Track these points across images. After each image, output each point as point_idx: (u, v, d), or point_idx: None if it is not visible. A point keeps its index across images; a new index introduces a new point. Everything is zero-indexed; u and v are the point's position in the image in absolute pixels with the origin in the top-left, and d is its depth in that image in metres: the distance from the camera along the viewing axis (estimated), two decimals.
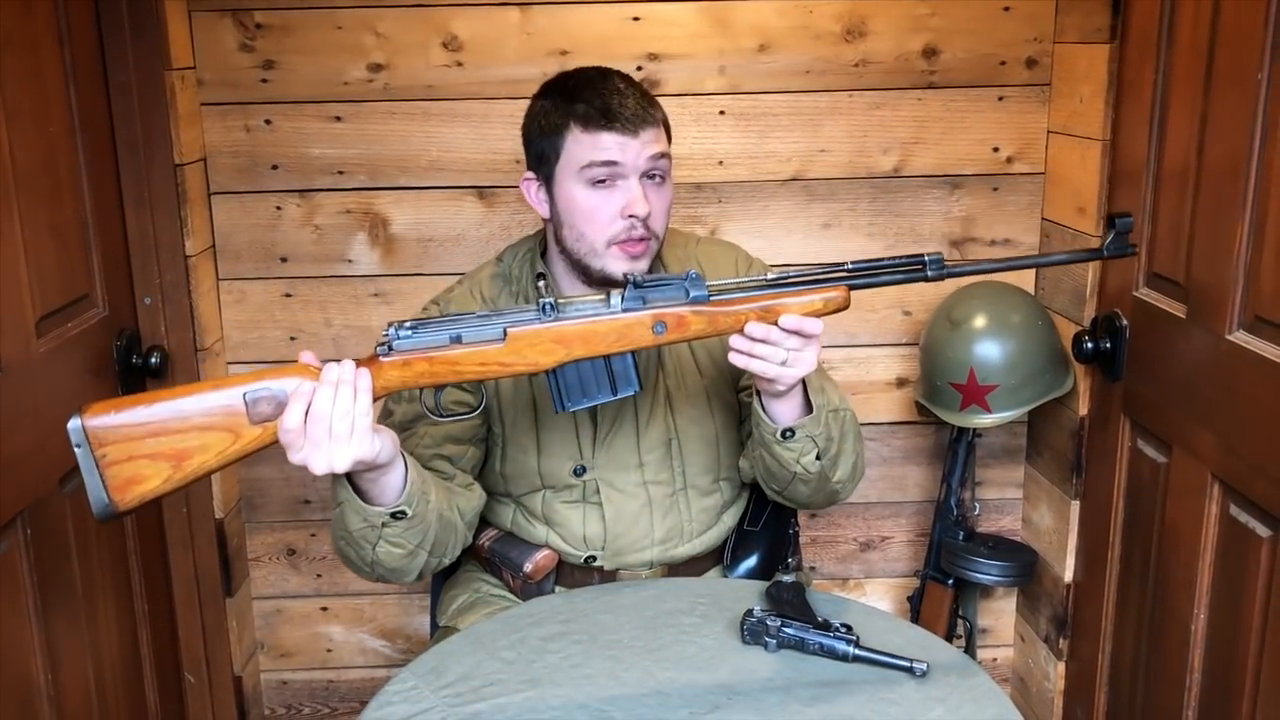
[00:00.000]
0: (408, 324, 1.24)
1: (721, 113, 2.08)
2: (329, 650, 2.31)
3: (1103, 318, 1.92)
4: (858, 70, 2.07)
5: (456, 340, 1.24)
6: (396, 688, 1.34)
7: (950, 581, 2.17)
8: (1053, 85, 2.08)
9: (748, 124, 2.09)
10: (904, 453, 2.27)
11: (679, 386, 1.59)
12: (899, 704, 1.27)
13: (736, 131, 2.09)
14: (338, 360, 1.23)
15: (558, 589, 1.65)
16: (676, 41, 2.04)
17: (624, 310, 1.26)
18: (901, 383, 2.23)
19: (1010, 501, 2.30)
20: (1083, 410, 2.02)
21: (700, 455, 1.62)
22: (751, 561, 1.70)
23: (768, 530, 1.72)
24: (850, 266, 1.28)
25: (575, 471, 1.59)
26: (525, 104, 1.57)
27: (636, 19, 2.03)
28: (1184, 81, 1.67)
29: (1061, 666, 2.14)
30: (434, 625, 1.76)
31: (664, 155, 1.50)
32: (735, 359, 1.29)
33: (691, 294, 1.26)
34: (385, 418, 1.61)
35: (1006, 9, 2.05)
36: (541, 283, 1.54)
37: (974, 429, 2.09)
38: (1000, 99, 2.09)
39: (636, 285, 1.26)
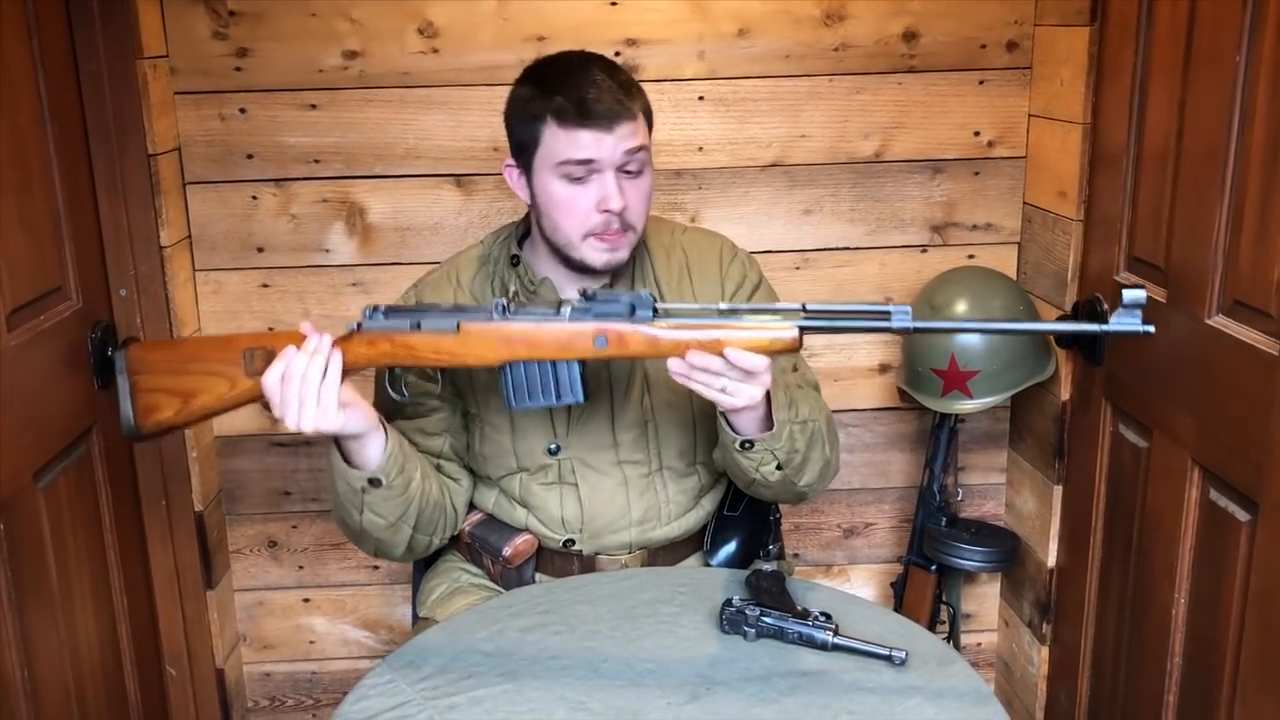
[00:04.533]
0: (382, 308, 1.36)
1: (701, 98, 2.07)
2: (311, 642, 2.30)
3: (1084, 302, 1.91)
4: (838, 55, 2.05)
5: (416, 327, 1.34)
6: (373, 681, 1.33)
7: (934, 567, 2.16)
8: (1033, 69, 2.07)
9: (727, 109, 2.07)
10: (886, 439, 2.26)
11: (657, 370, 1.58)
12: (877, 692, 1.27)
13: (716, 117, 2.08)
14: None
15: (538, 576, 1.65)
16: (654, 27, 2.03)
17: (570, 320, 1.31)
18: (883, 369, 2.22)
19: (993, 487, 2.30)
20: (1064, 395, 2.02)
21: (676, 438, 1.62)
22: (731, 547, 1.70)
23: (748, 516, 1.71)
24: (808, 308, 1.27)
25: (550, 450, 1.59)
26: (503, 91, 1.55)
27: (614, 4, 2.01)
28: (1163, 64, 1.66)
29: (1045, 651, 2.14)
30: (415, 615, 1.76)
31: (640, 149, 1.48)
32: (673, 376, 1.31)
33: (637, 313, 1.30)
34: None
35: None
36: (517, 266, 1.55)
37: (956, 415, 2.09)
38: (981, 83, 2.08)
39: (587, 298, 1.32)
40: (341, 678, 2.32)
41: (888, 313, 1.22)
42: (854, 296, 2.18)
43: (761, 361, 1.28)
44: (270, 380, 1.34)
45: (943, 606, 2.22)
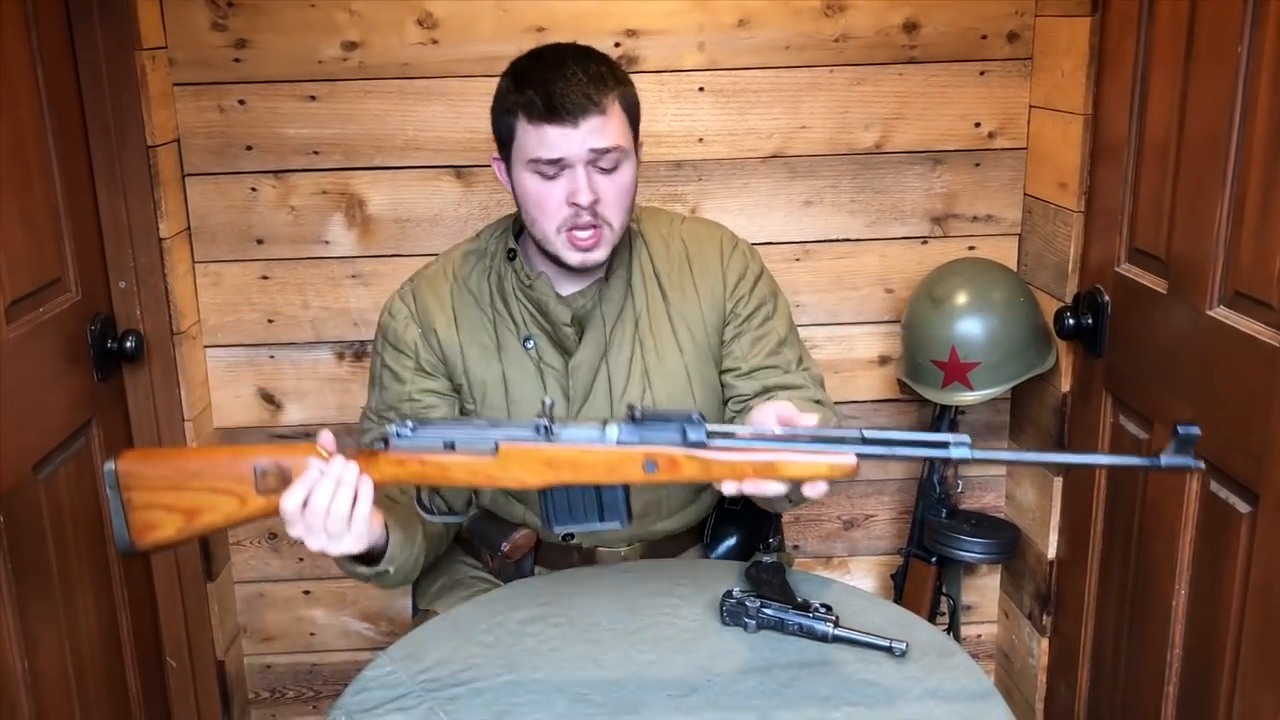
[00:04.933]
0: (410, 425, 1.25)
1: (701, 89, 2.06)
2: (312, 634, 2.30)
3: (1085, 294, 1.91)
4: (838, 45, 2.05)
5: (450, 447, 1.23)
6: (374, 673, 1.33)
7: (934, 559, 2.17)
8: (1034, 59, 2.07)
9: (727, 101, 2.07)
10: None
11: (658, 364, 1.57)
12: (878, 683, 1.27)
13: (716, 108, 2.07)
14: (340, 454, 1.24)
15: (537, 569, 1.64)
16: (654, 17, 2.02)
17: (618, 443, 1.21)
18: (884, 360, 2.22)
19: (993, 479, 2.30)
20: (1065, 387, 2.01)
21: None
22: (731, 541, 1.70)
23: (749, 510, 1.71)
24: (866, 435, 1.19)
25: None
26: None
27: None
28: (1165, 55, 1.66)
29: (1045, 642, 2.14)
30: (415, 608, 1.76)
31: (609, 150, 1.42)
32: (726, 493, 1.23)
33: (689, 437, 1.20)
34: (366, 403, 1.60)
35: None
36: (514, 260, 1.54)
37: (956, 406, 2.09)
38: (982, 73, 2.08)
39: (635, 420, 1.22)
40: (342, 669, 2.32)
41: (946, 442, 1.16)
42: (854, 288, 2.17)
43: (821, 489, 1.22)
44: (290, 505, 1.22)
45: (943, 598, 2.22)
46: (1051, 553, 2.09)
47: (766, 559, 1.46)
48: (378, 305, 2.08)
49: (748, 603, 1.37)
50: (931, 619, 2.15)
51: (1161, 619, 1.69)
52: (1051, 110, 2.01)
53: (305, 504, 1.22)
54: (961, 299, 1.98)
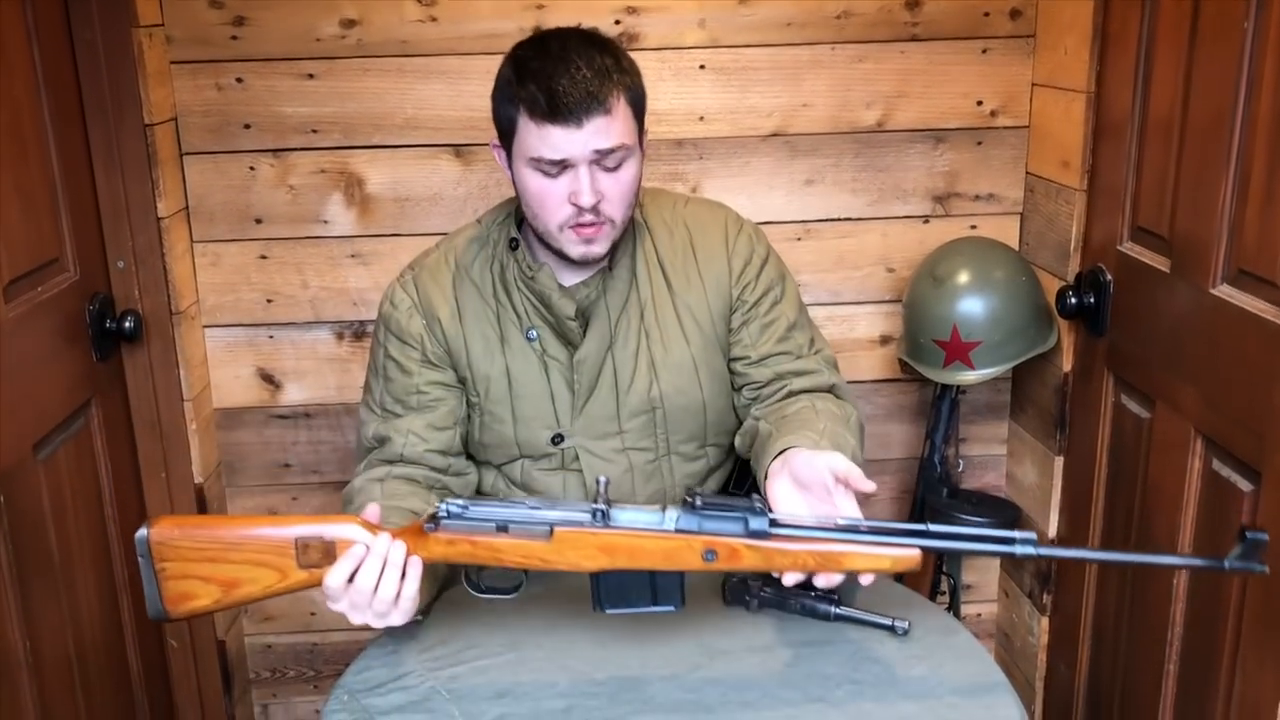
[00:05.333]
0: (460, 501, 1.22)
1: (702, 67, 2.05)
2: (312, 614, 2.30)
3: (1087, 273, 1.91)
4: (839, 23, 2.03)
5: (502, 529, 1.21)
6: (376, 652, 1.34)
7: None
8: (1037, 37, 2.06)
9: (728, 79, 2.05)
10: (887, 410, 2.26)
11: (664, 355, 1.55)
12: (880, 662, 1.27)
13: (717, 86, 2.06)
14: (387, 531, 1.23)
15: None
16: None
17: (676, 531, 1.18)
18: (885, 340, 2.21)
19: (994, 458, 2.30)
20: (1066, 366, 2.01)
21: (686, 424, 1.58)
22: None
23: (753, 493, 1.70)
24: (932, 530, 1.18)
25: (553, 440, 1.56)
26: (501, 60, 1.53)
27: None
28: (1169, 32, 1.65)
29: (1045, 621, 2.14)
30: None
31: (613, 150, 1.39)
32: (786, 583, 1.23)
33: (751, 526, 1.18)
34: (365, 391, 1.59)
35: None
36: (516, 250, 1.52)
37: (957, 386, 2.09)
38: (984, 51, 2.07)
39: (695, 508, 1.19)
40: (343, 649, 2.32)
41: (1012, 539, 1.15)
42: (855, 268, 2.17)
43: (873, 577, 1.21)
44: (335, 583, 1.20)
45: (943, 577, 2.23)
46: (1052, 532, 2.09)
47: None
48: (377, 285, 2.09)
49: (750, 582, 1.37)
50: (932, 598, 2.16)
51: (1162, 598, 1.69)
52: (1054, 88, 2.00)
53: (351, 580, 1.20)
54: (963, 278, 1.98)
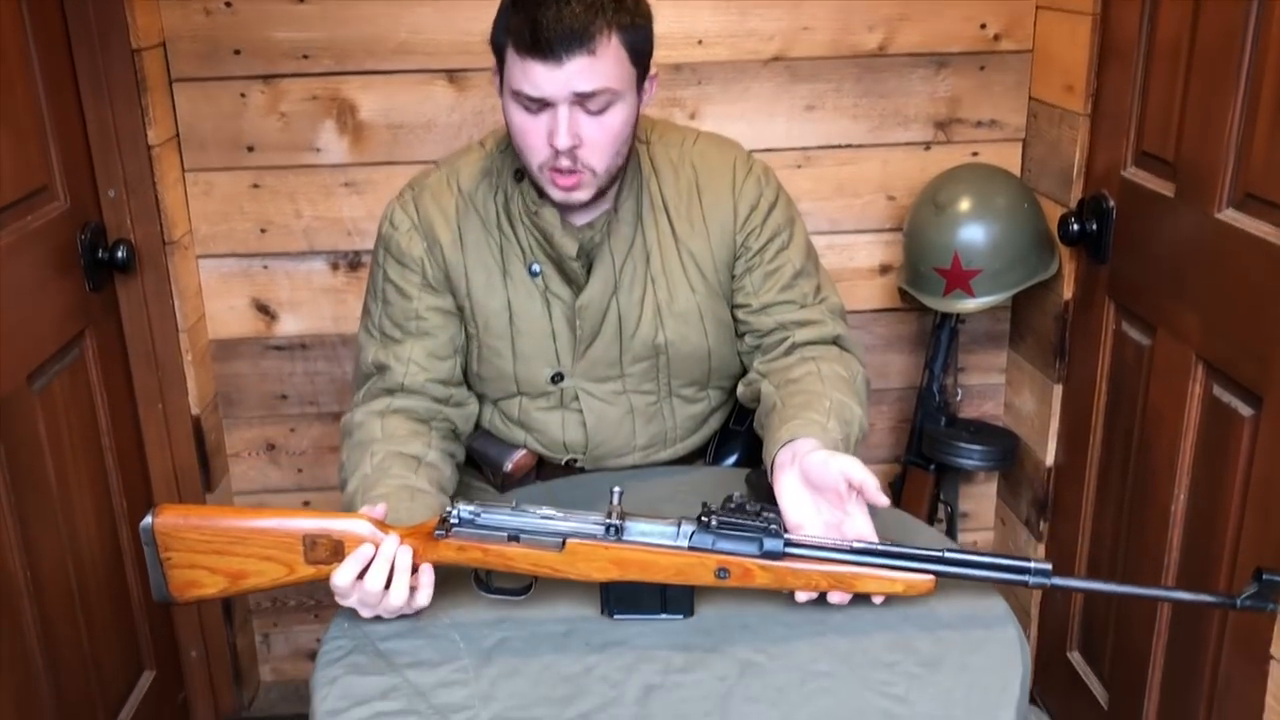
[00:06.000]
0: (471, 507, 1.21)
1: None
2: None
3: (1089, 199, 1.88)
4: None
5: (514, 539, 1.20)
6: None
7: (932, 467, 2.17)
8: None
9: (728, 1, 2.01)
10: (886, 340, 2.25)
11: (669, 302, 1.51)
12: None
13: (716, 9, 2.01)
14: (396, 533, 1.21)
15: (538, 482, 1.64)
16: None
17: (690, 549, 1.19)
18: (885, 269, 2.20)
19: (993, 387, 2.29)
20: (1067, 294, 2.00)
21: (689, 370, 1.56)
22: (733, 460, 1.68)
23: (751, 429, 1.70)
24: (946, 555, 1.19)
25: (552, 379, 1.54)
26: None
27: None
28: None
29: (1042, 548, 2.16)
30: None
31: (596, 93, 1.32)
32: (799, 598, 1.23)
33: (766, 546, 1.18)
34: (364, 315, 1.57)
35: None
36: (521, 182, 1.47)
37: (957, 314, 2.07)
38: None
39: (709, 527, 1.19)
40: None
41: (1027, 568, 1.18)
42: (855, 196, 2.14)
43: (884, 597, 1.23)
44: (341, 582, 1.20)
45: (940, 505, 2.24)
46: (1050, 460, 2.10)
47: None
48: (372, 214, 2.07)
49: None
50: (929, 525, 2.16)
51: (1160, 523, 1.70)
52: (1059, 10, 1.96)
53: (360, 577, 1.19)
54: (965, 205, 1.95)
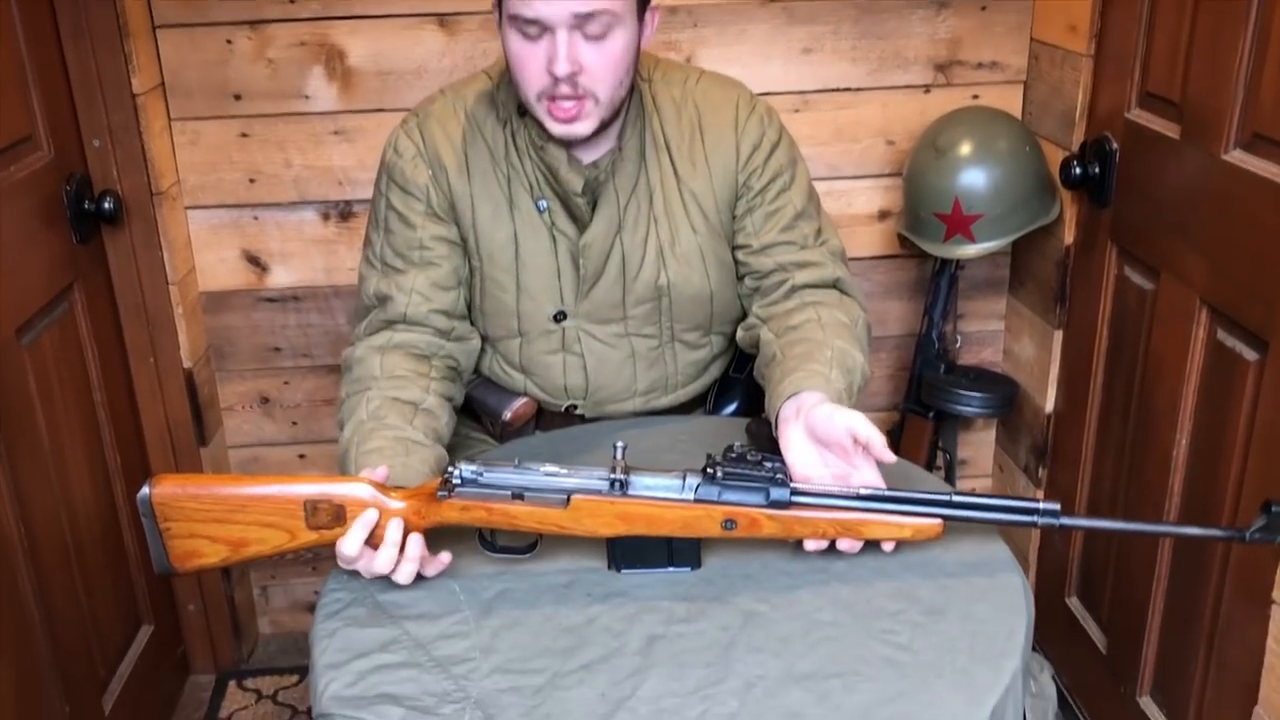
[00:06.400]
0: (474, 466, 1.18)
1: None
2: None
3: (1092, 141, 1.86)
4: None
5: (518, 497, 1.18)
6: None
7: (930, 414, 2.16)
8: None
9: None
10: (885, 287, 2.23)
11: (672, 243, 1.49)
12: None
13: None
14: (396, 495, 1.20)
15: (537, 433, 1.62)
16: None
17: (695, 500, 1.18)
18: (883, 215, 2.17)
19: (992, 333, 2.28)
20: (1068, 239, 1.98)
21: (691, 313, 1.54)
22: (733, 407, 1.67)
23: (751, 377, 1.68)
24: (953, 500, 1.18)
25: (555, 317, 1.52)
26: None
27: None
28: None
29: (1040, 495, 2.15)
30: None
31: (594, 14, 1.29)
32: (809, 550, 1.22)
33: (772, 496, 1.17)
34: (366, 246, 1.53)
35: None
36: (525, 116, 1.43)
37: (957, 261, 2.05)
38: None
39: (715, 479, 1.18)
40: None
41: (1036, 509, 1.17)
42: (854, 140, 2.11)
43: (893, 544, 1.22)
44: (349, 551, 1.18)
45: (939, 453, 2.23)
46: (1049, 406, 2.09)
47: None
48: (362, 163, 2.03)
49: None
50: (927, 471, 2.16)
51: (1161, 469, 1.69)
52: None
53: (368, 542, 1.18)
54: (965, 149, 1.92)
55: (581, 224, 1.47)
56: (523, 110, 1.43)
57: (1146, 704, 1.79)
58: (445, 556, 1.22)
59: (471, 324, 1.55)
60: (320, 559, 2.34)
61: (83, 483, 1.81)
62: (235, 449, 2.25)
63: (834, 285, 1.51)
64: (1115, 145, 1.79)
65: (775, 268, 1.50)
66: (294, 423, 2.23)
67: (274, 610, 2.39)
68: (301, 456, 2.26)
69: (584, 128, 1.37)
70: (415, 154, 1.47)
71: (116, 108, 1.87)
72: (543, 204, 1.46)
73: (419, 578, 1.22)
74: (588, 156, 1.45)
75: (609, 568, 1.24)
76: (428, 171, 1.46)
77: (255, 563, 2.29)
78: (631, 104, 1.44)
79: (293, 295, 2.13)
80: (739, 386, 1.67)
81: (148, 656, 2.03)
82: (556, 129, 1.37)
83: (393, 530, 1.19)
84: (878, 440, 1.21)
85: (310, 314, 2.15)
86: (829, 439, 1.23)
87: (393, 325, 1.47)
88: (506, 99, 1.47)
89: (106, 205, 1.84)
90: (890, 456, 1.22)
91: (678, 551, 1.22)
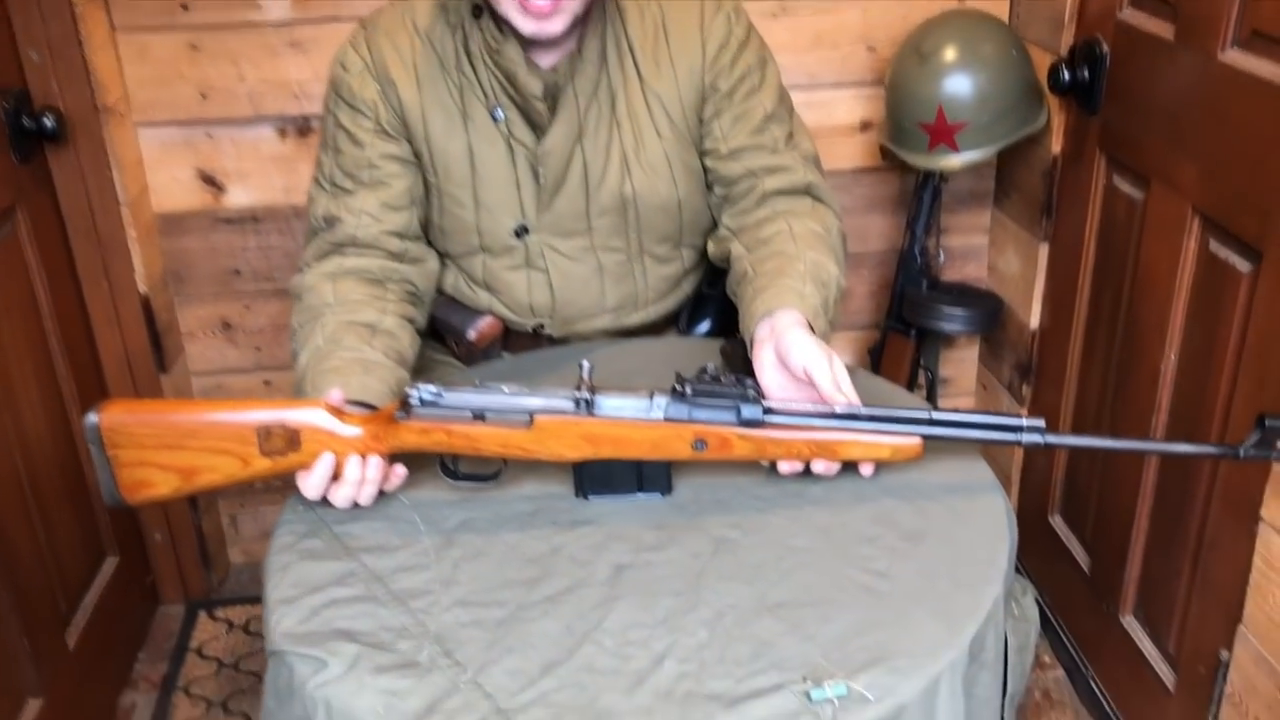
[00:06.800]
0: (433, 387, 1.13)
1: None
2: None
3: (1081, 45, 1.78)
4: None
5: (479, 417, 1.13)
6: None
7: (912, 332, 2.11)
8: None
9: None
10: (866, 201, 2.16)
11: (636, 149, 1.43)
12: None
13: None
14: (353, 418, 1.16)
15: (505, 355, 1.57)
16: None
17: (665, 420, 1.13)
18: (865, 126, 2.09)
19: (976, 248, 2.22)
20: (1056, 148, 1.90)
21: (659, 224, 1.48)
22: (706, 326, 1.61)
23: (725, 294, 1.62)
24: (933, 417, 1.12)
25: (516, 232, 1.45)
26: None
27: None
28: None
29: (1024, 412, 2.11)
30: None
31: None
32: (783, 473, 1.17)
33: (744, 414, 1.12)
34: (316, 167, 1.46)
35: None
36: (480, 18, 1.35)
37: (940, 173, 1.98)
38: None
39: (684, 396, 1.12)
40: None
41: (1019, 426, 1.12)
42: (834, 47, 2.02)
43: (873, 467, 1.17)
44: (311, 490, 1.16)
45: (920, 371, 2.18)
46: (1034, 322, 2.03)
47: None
48: (319, 75, 1.94)
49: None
50: (909, 391, 2.11)
51: (1148, 385, 1.65)
52: None
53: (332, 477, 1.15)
54: (949, 54, 1.84)
55: (541, 131, 1.40)
56: (477, 12, 1.35)
57: (1130, 623, 1.77)
58: (400, 469, 1.18)
59: (429, 244, 1.48)
60: (289, 487, 2.28)
61: (35, 412, 1.75)
62: (198, 376, 2.18)
63: (806, 191, 1.44)
64: (1106, 48, 1.71)
65: (744, 173, 1.43)
66: (258, 348, 2.16)
67: (244, 539, 2.35)
68: (267, 383, 2.19)
69: (557, 25, 1.30)
70: (362, 69, 1.40)
71: (54, 17, 1.76)
72: (499, 113, 1.39)
73: (381, 494, 1.18)
74: (545, 61, 1.37)
75: (576, 495, 1.19)
76: (376, 86, 1.39)
77: (217, 493, 2.24)
78: (595, 4, 1.36)
79: (251, 216, 2.05)
80: (712, 303, 1.61)
81: (114, 588, 1.98)
82: (528, 26, 1.29)
83: (351, 468, 1.15)
84: (825, 384, 1.15)
85: (270, 235, 2.07)
86: (795, 370, 1.18)
87: (342, 249, 1.40)
88: (458, 3, 1.39)
89: (48, 122, 1.75)
90: (837, 399, 1.15)
91: (647, 477, 1.18)
